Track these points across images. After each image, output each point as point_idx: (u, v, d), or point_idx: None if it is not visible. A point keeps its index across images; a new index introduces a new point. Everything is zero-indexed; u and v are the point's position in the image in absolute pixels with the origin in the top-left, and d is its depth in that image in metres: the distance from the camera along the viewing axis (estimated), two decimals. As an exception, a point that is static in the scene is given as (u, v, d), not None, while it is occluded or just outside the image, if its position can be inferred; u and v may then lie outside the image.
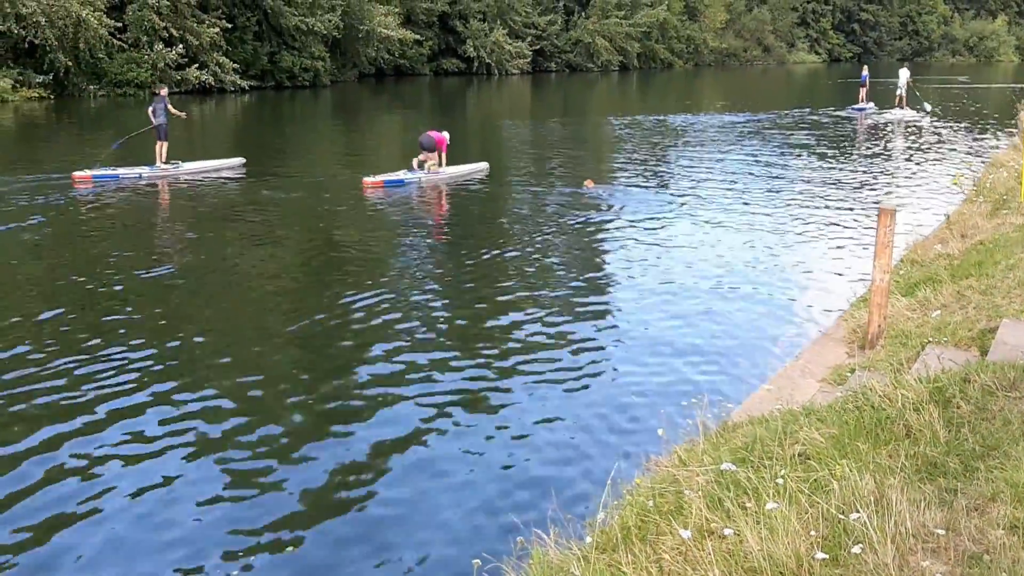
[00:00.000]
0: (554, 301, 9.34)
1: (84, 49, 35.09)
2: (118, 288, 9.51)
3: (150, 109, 17.64)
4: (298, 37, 44.12)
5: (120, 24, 36.78)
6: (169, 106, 17.70)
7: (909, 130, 28.38)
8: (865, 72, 36.35)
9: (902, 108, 33.21)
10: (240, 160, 18.75)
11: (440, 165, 16.97)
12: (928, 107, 33.27)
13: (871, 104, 34.78)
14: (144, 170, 17.12)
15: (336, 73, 48.61)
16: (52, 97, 34.94)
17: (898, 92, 33.81)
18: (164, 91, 18.51)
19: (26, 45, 33.85)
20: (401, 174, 16.53)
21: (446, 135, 17.23)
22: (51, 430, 6.07)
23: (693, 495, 3.94)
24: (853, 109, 34.71)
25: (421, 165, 16.79)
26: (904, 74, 34.17)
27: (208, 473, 5.60)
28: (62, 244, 11.91)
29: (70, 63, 34.94)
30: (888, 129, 28.96)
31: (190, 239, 12.39)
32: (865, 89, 35.21)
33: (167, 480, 5.50)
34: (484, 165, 18.57)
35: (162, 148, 17.49)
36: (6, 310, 8.63)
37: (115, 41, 36.44)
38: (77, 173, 16.44)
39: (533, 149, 23.78)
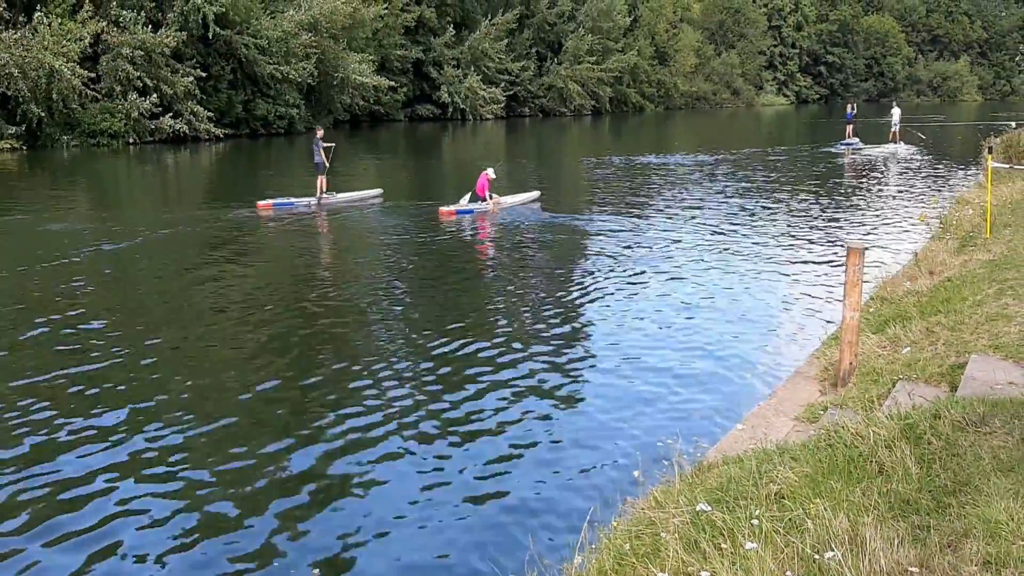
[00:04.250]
0: (528, 342, 9.33)
1: (57, 100, 35.09)
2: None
3: (315, 149, 20.39)
4: (273, 85, 44.42)
5: (93, 74, 36.86)
6: (321, 146, 20.35)
7: (885, 166, 29.28)
8: (851, 109, 38.55)
9: (896, 143, 35.19)
10: (379, 191, 21.73)
11: (493, 201, 19.01)
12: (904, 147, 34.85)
13: (857, 139, 36.83)
14: (311, 200, 20.18)
15: (311, 120, 48.82)
16: (25, 148, 34.81)
17: (892, 128, 35.95)
18: (320, 132, 21.02)
19: (-2, 96, 33.90)
20: (469, 204, 18.80)
21: (487, 173, 19.01)
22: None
23: (669, 537, 3.94)
24: (841, 144, 36.68)
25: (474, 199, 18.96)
26: (897, 112, 36.64)
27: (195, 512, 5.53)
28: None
29: (43, 114, 34.91)
30: (870, 164, 29.91)
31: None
32: (852, 126, 37.05)
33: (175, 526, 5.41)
34: (536, 194, 20.84)
35: (321, 181, 20.32)
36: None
37: (88, 91, 36.49)
38: (260, 203, 19.48)
39: (511, 190, 23.88)
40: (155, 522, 5.54)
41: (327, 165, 20.44)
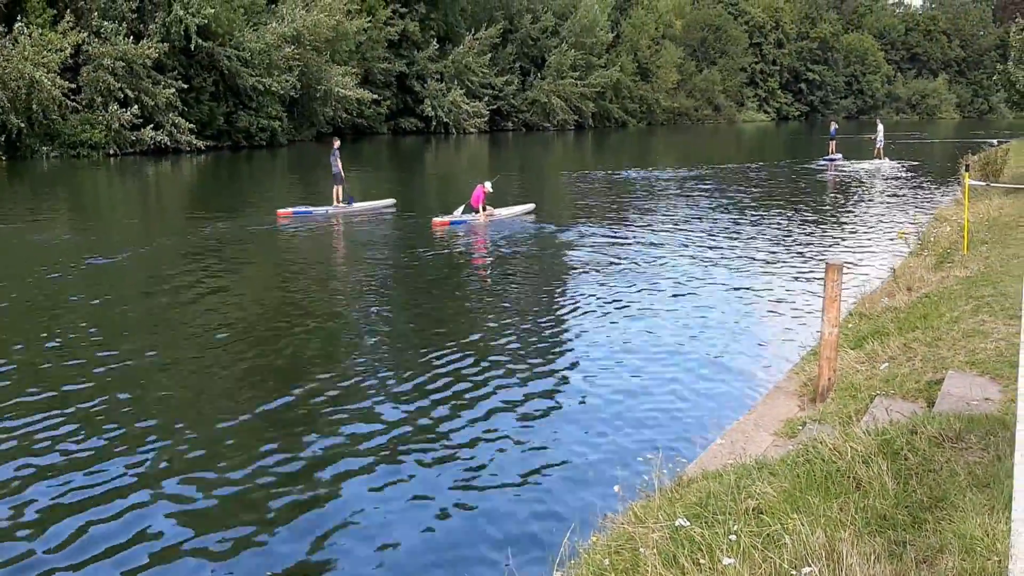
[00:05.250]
0: (510, 357, 9.33)
1: (37, 110, 34.86)
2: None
3: (332, 160, 21.27)
4: (255, 97, 44.30)
5: (74, 85, 36.65)
6: (338, 157, 21.19)
7: (867, 182, 29.62)
8: (834, 126, 39.48)
9: (880, 159, 36.09)
10: (392, 201, 22.46)
11: (486, 213, 19.35)
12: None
13: (839, 155, 37.61)
14: (329, 208, 20.88)
15: (293, 132, 48.79)
16: (4, 159, 34.51)
17: (877, 145, 36.82)
18: (337, 143, 21.92)
19: (-23, 107, 33.59)
20: (463, 215, 19.12)
21: (485, 186, 19.34)
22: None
23: (648, 553, 3.94)
24: (824, 160, 37.36)
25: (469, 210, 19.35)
26: (881, 128, 37.55)
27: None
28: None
29: (23, 124, 34.64)
30: (850, 181, 30.32)
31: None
32: (834, 142, 37.85)
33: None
34: (531, 206, 21.27)
35: (338, 190, 21.23)
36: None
37: (69, 102, 36.26)
38: (281, 210, 19.97)
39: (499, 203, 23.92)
40: (149, 531, 5.50)
41: (343, 175, 21.18)
